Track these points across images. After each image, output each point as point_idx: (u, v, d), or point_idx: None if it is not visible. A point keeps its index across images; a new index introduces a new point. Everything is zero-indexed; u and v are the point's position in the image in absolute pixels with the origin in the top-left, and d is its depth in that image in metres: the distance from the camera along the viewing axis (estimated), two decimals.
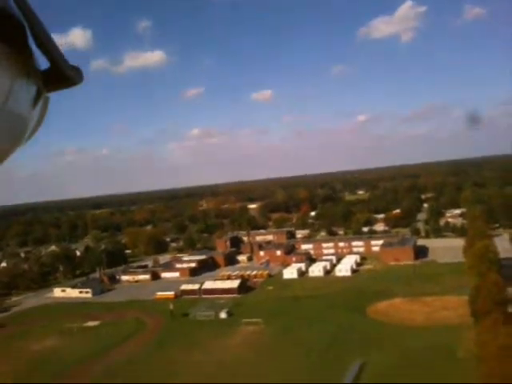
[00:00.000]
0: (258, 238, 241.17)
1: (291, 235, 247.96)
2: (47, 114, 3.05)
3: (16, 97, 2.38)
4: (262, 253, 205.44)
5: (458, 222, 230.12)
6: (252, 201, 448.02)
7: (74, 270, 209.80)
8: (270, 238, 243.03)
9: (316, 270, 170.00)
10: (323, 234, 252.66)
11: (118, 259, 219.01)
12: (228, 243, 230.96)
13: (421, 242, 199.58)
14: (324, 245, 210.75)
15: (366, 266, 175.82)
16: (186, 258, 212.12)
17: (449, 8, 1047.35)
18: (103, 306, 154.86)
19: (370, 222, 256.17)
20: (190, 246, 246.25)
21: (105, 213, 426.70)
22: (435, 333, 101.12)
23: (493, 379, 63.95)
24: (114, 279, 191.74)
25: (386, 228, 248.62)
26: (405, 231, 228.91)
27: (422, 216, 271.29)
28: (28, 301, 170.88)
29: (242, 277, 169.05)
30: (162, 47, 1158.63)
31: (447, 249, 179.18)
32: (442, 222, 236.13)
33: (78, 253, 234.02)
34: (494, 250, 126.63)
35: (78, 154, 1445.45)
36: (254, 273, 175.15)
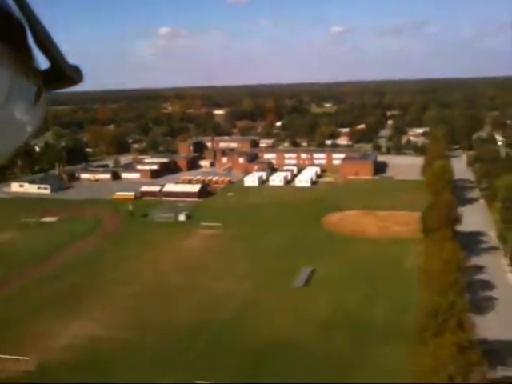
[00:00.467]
0: (222, 145, 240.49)
1: (255, 144, 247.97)
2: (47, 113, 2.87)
3: (16, 96, 2.38)
4: (224, 159, 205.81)
5: (420, 140, 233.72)
6: (218, 107, 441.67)
7: (32, 165, 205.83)
8: (233, 145, 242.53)
9: (277, 179, 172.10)
10: (287, 144, 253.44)
11: (78, 157, 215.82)
12: (191, 148, 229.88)
13: (381, 158, 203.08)
14: (286, 155, 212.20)
15: (326, 179, 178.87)
16: (147, 159, 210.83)
17: None
18: (61, 202, 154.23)
19: (333, 136, 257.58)
20: (153, 149, 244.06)
21: (67, 110, 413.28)
22: (385, 245, 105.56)
23: (432, 288, 67.93)
24: (73, 177, 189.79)
25: (349, 142, 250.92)
26: (367, 147, 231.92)
27: (385, 133, 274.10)
28: None
29: (203, 182, 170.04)
30: None
31: (406, 166, 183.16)
32: (404, 140, 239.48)
33: (37, 148, 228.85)
34: (450, 171, 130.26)
35: None
36: (216, 179, 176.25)
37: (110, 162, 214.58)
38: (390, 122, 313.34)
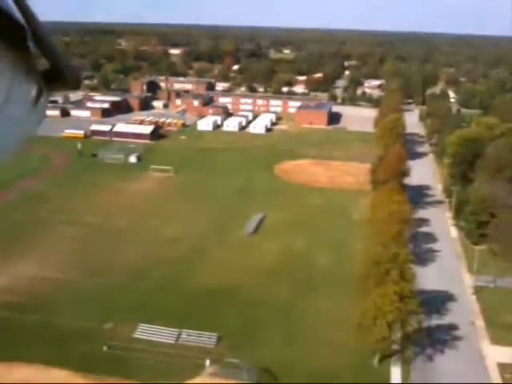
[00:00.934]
0: (177, 86, 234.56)
1: (211, 87, 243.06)
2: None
3: (16, 96, 2.40)
4: (178, 101, 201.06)
5: (375, 93, 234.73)
6: (175, 46, 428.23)
7: None
8: (188, 86, 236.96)
9: (231, 124, 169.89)
10: (243, 89, 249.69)
11: None
12: (144, 87, 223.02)
13: (336, 108, 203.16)
14: (242, 100, 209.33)
15: (281, 126, 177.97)
16: (98, 97, 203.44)
17: None
18: None
19: (290, 83, 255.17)
20: (104, 86, 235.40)
21: None
22: (335, 195, 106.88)
23: (376, 239, 69.45)
24: None
25: (306, 91, 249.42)
26: (323, 96, 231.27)
27: (341, 83, 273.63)
28: None
29: (155, 123, 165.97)
30: None
31: (360, 118, 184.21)
32: (359, 92, 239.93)
33: None
34: (402, 124, 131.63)
35: None
36: (169, 121, 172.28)
37: (60, 98, 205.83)
38: (347, 72, 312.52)
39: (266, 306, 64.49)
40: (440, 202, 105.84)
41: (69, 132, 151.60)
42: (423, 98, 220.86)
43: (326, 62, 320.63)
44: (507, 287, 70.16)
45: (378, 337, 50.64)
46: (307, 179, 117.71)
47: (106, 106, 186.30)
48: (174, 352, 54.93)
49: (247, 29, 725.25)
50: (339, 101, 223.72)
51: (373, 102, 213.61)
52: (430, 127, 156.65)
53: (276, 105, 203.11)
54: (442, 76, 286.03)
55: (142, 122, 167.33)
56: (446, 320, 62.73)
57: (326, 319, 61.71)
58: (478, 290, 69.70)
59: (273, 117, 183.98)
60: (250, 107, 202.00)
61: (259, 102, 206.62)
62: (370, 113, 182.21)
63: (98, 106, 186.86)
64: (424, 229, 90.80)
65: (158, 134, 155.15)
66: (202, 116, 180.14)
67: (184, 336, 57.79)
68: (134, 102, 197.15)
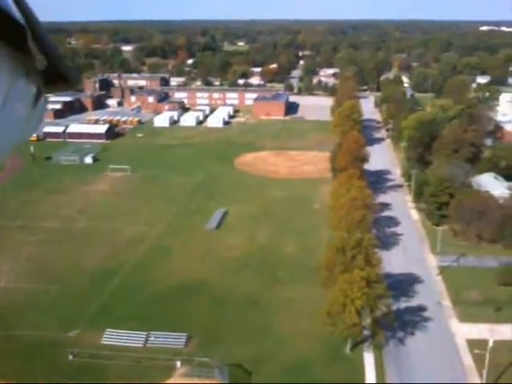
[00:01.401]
0: (130, 83, 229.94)
1: (165, 82, 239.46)
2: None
3: (16, 97, 2.40)
4: (133, 98, 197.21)
5: (331, 81, 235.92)
6: (127, 43, 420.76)
7: None
8: (142, 83, 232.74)
9: (188, 119, 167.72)
10: (199, 83, 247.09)
11: None
12: (97, 85, 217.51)
13: (293, 98, 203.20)
14: (198, 94, 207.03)
15: (238, 119, 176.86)
16: (50, 98, 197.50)
17: None
18: None
19: (246, 75, 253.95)
20: None
21: None
22: (296, 185, 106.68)
23: (340, 226, 69.52)
24: None
25: (262, 82, 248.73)
26: (279, 86, 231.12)
27: (297, 73, 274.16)
28: None
29: (110, 122, 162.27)
30: None
31: (317, 107, 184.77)
32: (315, 81, 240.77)
33: None
34: (358, 111, 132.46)
35: None
36: (124, 119, 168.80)
37: None
38: (301, 62, 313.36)
39: (234, 300, 63.69)
40: (399, 186, 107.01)
41: None
42: (378, 85, 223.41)
43: (280, 52, 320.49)
44: (470, 265, 71.37)
45: (349, 324, 50.53)
46: (267, 171, 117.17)
47: (58, 106, 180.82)
48: (144, 355, 53.53)
49: (199, 22, 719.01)
50: (295, 91, 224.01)
51: (328, 90, 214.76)
52: (386, 112, 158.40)
53: (233, 97, 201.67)
54: (394, 62, 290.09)
55: (96, 122, 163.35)
56: (414, 302, 63.30)
57: (294, 310, 61.36)
58: (442, 270, 70.63)
59: (230, 110, 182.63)
60: (207, 101, 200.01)
61: (215, 95, 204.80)
62: (327, 101, 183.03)
63: (49, 107, 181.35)
64: (386, 213, 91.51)
65: (113, 132, 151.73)
66: (158, 112, 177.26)
67: (152, 338, 56.41)
68: (87, 102, 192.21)
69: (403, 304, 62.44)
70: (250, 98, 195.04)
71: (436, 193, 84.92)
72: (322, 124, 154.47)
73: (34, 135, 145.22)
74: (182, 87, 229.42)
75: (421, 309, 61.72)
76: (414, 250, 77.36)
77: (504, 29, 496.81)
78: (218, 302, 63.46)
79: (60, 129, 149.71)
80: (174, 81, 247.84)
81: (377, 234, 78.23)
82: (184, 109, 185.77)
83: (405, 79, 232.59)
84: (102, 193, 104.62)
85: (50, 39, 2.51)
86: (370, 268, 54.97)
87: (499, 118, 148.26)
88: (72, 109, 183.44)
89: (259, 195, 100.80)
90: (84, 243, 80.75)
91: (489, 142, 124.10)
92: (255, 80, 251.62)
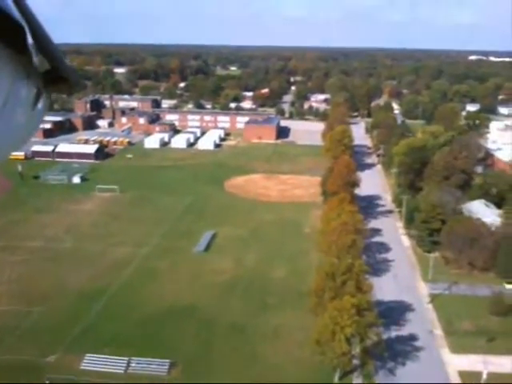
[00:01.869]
0: (122, 104, 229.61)
1: (157, 104, 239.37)
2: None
3: (16, 98, 2.39)
4: (124, 119, 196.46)
5: (322, 106, 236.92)
6: (120, 65, 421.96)
7: None
8: (134, 104, 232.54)
9: (179, 141, 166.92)
10: (191, 106, 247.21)
11: None
12: (88, 106, 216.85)
13: (284, 122, 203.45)
14: (190, 117, 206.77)
15: (230, 142, 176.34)
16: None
17: None
18: None
19: (238, 99, 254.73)
20: None
21: None
22: (286, 208, 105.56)
23: (330, 250, 68.20)
24: None
25: (253, 106, 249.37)
26: (271, 111, 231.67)
27: (288, 98, 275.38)
28: None
29: (100, 142, 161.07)
30: None
31: (308, 131, 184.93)
32: (306, 106, 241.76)
33: None
34: (349, 136, 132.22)
35: None
36: (114, 139, 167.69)
37: None
38: (293, 87, 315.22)
39: (222, 326, 61.87)
40: (390, 212, 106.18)
41: None
42: (368, 111, 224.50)
43: (272, 77, 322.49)
44: (462, 294, 70.17)
45: (338, 352, 48.86)
46: (258, 194, 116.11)
47: (48, 126, 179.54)
48: (124, 382, 51.43)
49: (192, 46, 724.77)
50: (287, 115, 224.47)
51: (320, 115, 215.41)
52: (377, 138, 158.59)
53: (224, 120, 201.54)
54: (385, 89, 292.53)
55: (86, 142, 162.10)
56: (405, 331, 61.79)
57: (283, 337, 59.63)
58: (433, 298, 69.30)
59: (221, 132, 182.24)
60: (198, 124, 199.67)
61: (207, 118, 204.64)
62: (318, 126, 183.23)
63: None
64: (376, 239, 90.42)
65: (103, 153, 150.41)
66: (148, 134, 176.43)
67: (134, 364, 54.34)
68: (78, 122, 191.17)
69: (394, 333, 60.91)
70: (241, 121, 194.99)
71: (427, 219, 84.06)
72: (313, 148, 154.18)
73: (22, 154, 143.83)
74: (173, 109, 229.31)
75: (412, 338, 60.19)
76: (405, 277, 76.08)
77: (492, 59, 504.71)
78: (205, 327, 61.63)
79: (49, 148, 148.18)
80: (166, 103, 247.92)
81: (367, 260, 76.96)
82: (175, 131, 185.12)
83: (395, 106, 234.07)
84: (90, 213, 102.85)
85: (51, 40, 2.48)
86: (360, 295, 53.59)
87: (489, 145, 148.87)
88: (62, 129, 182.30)
89: (249, 218, 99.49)
90: (69, 264, 78.75)
91: (479, 169, 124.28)
92: (247, 104, 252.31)
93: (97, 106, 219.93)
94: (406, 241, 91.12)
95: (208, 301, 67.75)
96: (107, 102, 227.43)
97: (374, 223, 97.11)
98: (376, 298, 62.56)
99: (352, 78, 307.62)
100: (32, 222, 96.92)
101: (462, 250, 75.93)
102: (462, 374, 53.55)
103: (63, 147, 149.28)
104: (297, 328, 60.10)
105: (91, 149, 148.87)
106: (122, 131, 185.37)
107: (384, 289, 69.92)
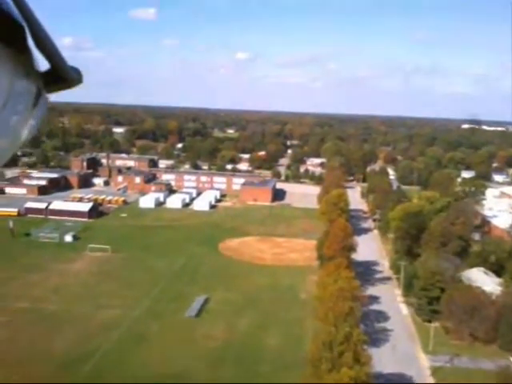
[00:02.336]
0: (119, 163, 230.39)
1: (154, 164, 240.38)
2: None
3: (16, 98, 2.37)
4: (120, 178, 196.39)
5: (317, 170, 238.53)
6: (119, 125, 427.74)
7: None
8: (130, 163, 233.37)
9: (174, 201, 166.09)
10: (187, 166, 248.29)
11: None
12: (84, 164, 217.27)
13: (280, 185, 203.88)
14: (186, 177, 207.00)
15: (225, 203, 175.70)
16: (35, 174, 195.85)
17: None
18: None
19: (234, 161, 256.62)
20: (44, 163, 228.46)
21: None
22: (281, 273, 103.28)
23: (327, 318, 65.66)
24: None
25: (250, 168, 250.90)
26: (267, 173, 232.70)
27: (284, 161, 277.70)
28: None
29: (95, 201, 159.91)
30: None
31: (304, 194, 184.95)
32: (302, 169, 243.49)
33: None
34: (345, 200, 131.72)
35: None
36: (109, 198, 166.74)
37: None
38: (289, 151, 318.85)
39: None
40: (388, 279, 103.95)
41: (1, 210, 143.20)
42: (364, 176, 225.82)
43: (268, 141, 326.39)
44: (464, 367, 67.18)
45: None
46: (252, 257, 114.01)
47: (43, 183, 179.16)
48: None
49: (191, 109, 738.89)
50: (283, 178, 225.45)
51: (315, 179, 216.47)
52: (373, 203, 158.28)
53: (220, 181, 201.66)
54: (380, 154, 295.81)
55: (80, 200, 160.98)
56: None
57: None
58: (435, 371, 66.25)
59: (217, 193, 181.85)
60: (194, 184, 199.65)
61: (203, 178, 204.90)
62: (314, 189, 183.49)
63: (34, 183, 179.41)
64: (374, 307, 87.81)
65: (97, 211, 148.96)
66: (144, 193, 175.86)
67: None
68: (74, 179, 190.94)
69: None
70: (237, 182, 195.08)
71: (426, 286, 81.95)
72: (308, 211, 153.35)
73: (16, 210, 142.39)
74: (169, 169, 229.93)
75: None
76: (405, 348, 73.13)
77: (485, 127, 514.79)
78: None
79: (42, 205, 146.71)
80: (163, 163, 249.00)
81: (365, 329, 74.22)
82: (171, 191, 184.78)
83: (390, 171, 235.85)
84: (80, 273, 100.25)
85: (51, 39, 2.44)
86: (358, 367, 50.93)
87: (485, 212, 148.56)
88: (57, 186, 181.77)
89: (243, 282, 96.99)
90: (54, 327, 75.53)
91: (476, 235, 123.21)
92: (243, 166, 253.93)
93: (93, 164, 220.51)
94: (404, 309, 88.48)
95: (198, 368, 64.54)
96: (104, 161, 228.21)
97: (371, 290, 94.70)
98: (375, 370, 59.53)
99: (347, 144, 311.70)
100: (19, 280, 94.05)
101: (463, 320, 73.46)
102: None
103: (57, 204, 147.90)
104: None
105: (85, 207, 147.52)
106: (118, 190, 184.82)
107: (383, 360, 66.92)
